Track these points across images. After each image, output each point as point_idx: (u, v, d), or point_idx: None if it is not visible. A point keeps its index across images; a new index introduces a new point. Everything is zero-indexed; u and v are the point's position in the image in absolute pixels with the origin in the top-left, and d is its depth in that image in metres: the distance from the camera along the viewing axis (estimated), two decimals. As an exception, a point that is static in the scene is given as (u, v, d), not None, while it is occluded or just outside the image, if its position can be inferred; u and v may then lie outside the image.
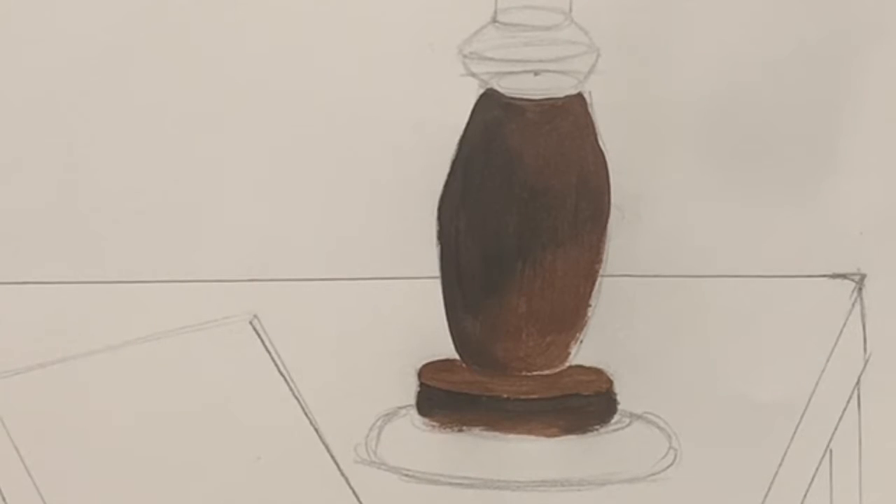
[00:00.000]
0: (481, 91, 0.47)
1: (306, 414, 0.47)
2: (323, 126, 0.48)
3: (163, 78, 0.48)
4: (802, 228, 0.48)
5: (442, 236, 0.47)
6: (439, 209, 0.47)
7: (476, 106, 0.47)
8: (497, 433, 0.47)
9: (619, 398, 0.48)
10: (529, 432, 0.45)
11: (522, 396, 0.47)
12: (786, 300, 0.48)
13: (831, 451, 0.48)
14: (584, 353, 0.48)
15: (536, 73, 0.47)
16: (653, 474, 0.46)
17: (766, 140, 0.48)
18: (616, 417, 0.48)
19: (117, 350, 0.48)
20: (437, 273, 0.47)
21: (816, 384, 0.48)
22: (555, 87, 0.47)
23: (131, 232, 0.48)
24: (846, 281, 0.48)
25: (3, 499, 0.47)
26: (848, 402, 0.48)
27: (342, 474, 0.47)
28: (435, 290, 0.48)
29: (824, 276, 0.48)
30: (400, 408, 0.48)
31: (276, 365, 0.48)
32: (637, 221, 0.47)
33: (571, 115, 0.47)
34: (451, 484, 0.45)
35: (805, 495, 0.48)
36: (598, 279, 0.47)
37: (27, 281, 0.48)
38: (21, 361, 0.48)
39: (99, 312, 0.48)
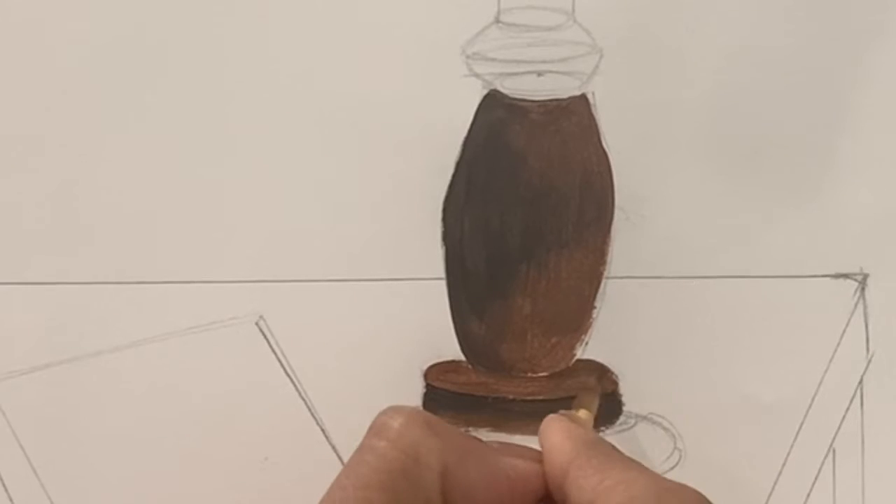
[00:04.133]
0: (485, 92, 0.47)
1: (313, 414, 0.48)
2: (326, 127, 0.48)
3: (166, 78, 0.47)
4: (804, 228, 0.48)
5: (447, 238, 0.48)
6: (444, 210, 0.47)
7: (479, 107, 0.47)
8: (503, 434, 0.47)
9: (624, 399, 0.48)
10: (535, 433, 0.45)
11: (528, 397, 0.48)
12: (788, 300, 0.48)
13: (834, 450, 0.48)
14: (589, 354, 0.48)
15: (540, 73, 0.47)
16: (658, 474, 0.46)
17: (769, 140, 0.48)
18: (621, 418, 0.48)
19: (123, 350, 0.48)
20: (443, 274, 0.48)
21: (819, 384, 0.48)
22: (558, 87, 0.47)
23: (136, 232, 0.48)
24: (848, 280, 0.48)
25: (10, 499, 0.47)
26: (851, 401, 0.48)
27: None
28: (440, 291, 0.48)
29: (826, 275, 0.48)
30: (406, 408, 0.48)
31: (283, 366, 0.48)
32: (641, 223, 0.48)
33: (575, 115, 0.47)
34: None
35: (808, 494, 0.48)
36: (603, 281, 0.47)
37: (33, 281, 0.48)
38: (27, 362, 0.48)
39: (103, 313, 0.48)
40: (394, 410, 0.37)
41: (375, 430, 0.36)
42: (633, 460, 0.37)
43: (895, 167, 0.48)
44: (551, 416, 0.40)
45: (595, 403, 0.44)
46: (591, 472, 0.36)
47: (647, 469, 0.36)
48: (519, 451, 0.39)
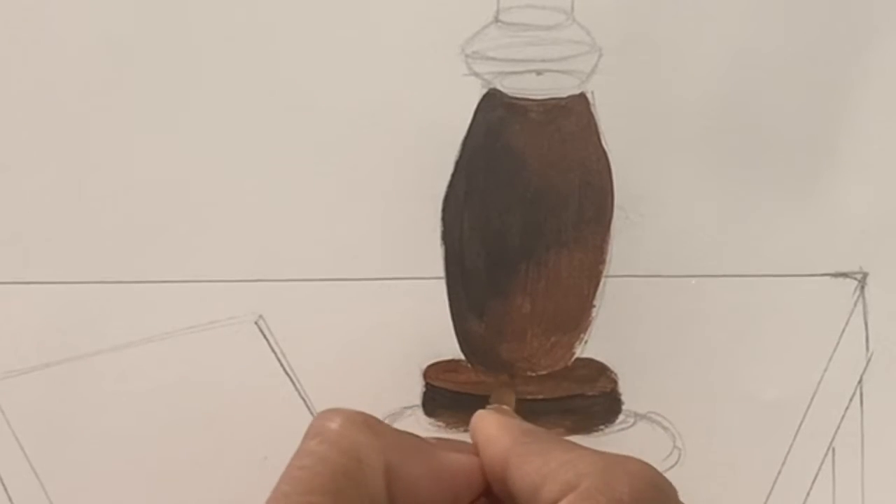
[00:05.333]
0: (484, 91, 0.47)
1: (312, 414, 0.48)
2: (326, 127, 0.48)
3: (166, 78, 0.48)
4: (804, 227, 0.48)
5: (446, 237, 0.48)
6: (443, 210, 0.47)
7: (479, 106, 0.47)
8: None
9: (623, 398, 0.48)
10: (535, 432, 0.45)
11: (528, 397, 0.48)
12: (788, 299, 0.48)
13: (834, 449, 0.48)
14: (588, 353, 0.48)
15: (539, 72, 0.47)
16: (657, 473, 0.46)
17: (768, 139, 0.48)
18: (621, 417, 0.48)
19: (122, 350, 0.48)
20: (442, 274, 0.48)
21: (819, 383, 0.48)
22: (557, 86, 0.47)
23: (135, 231, 0.48)
24: (848, 279, 0.48)
25: (10, 499, 0.47)
26: (850, 400, 0.48)
27: (348, 474, 0.47)
28: (440, 290, 0.48)
29: (826, 274, 0.48)
30: (405, 408, 0.48)
31: (282, 365, 0.48)
32: (640, 222, 0.48)
33: (574, 114, 0.47)
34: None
35: (808, 493, 0.48)
36: (602, 280, 0.47)
37: (32, 281, 0.48)
38: (26, 361, 0.48)
39: (103, 313, 0.48)
40: (331, 412, 0.36)
41: (313, 433, 0.36)
42: (572, 442, 0.37)
43: (895, 167, 0.48)
44: (479, 411, 0.39)
45: (512, 398, 0.44)
46: (531, 457, 0.35)
47: (588, 448, 0.36)
48: (458, 445, 0.38)
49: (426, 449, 0.37)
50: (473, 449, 0.38)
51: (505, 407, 0.42)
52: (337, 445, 0.35)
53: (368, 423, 0.36)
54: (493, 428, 0.38)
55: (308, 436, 0.36)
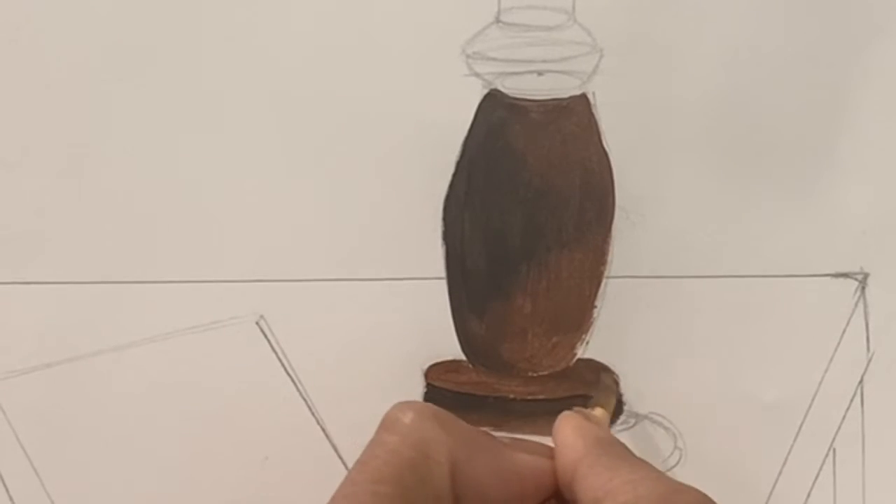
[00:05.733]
0: (485, 91, 0.47)
1: (313, 414, 0.48)
2: (327, 127, 0.48)
3: (166, 77, 0.47)
4: (805, 228, 0.48)
5: (447, 237, 0.48)
6: (444, 210, 0.48)
7: (480, 106, 0.47)
8: (504, 433, 0.47)
9: (624, 399, 0.48)
10: (536, 432, 0.45)
11: (529, 397, 0.48)
12: (788, 300, 0.48)
13: (834, 449, 0.48)
14: (589, 353, 0.48)
15: (540, 73, 0.47)
16: (658, 474, 0.46)
17: (769, 139, 0.48)
18: (622, 417, 0.48)
19: (123, 350, 0.48)
20: (443, 274, 0.48)
21: (819, 383, 0.48)
22: (559, 87, 0.47)
23: (135, 231, 0.48)
24: (849, 280, 0.48)
25: (10, 499, 0.47)
26: (851, 401, 0.48)
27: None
28: (441, 290, 0.48)
29: (827, 275, 0.48)
30: (406, 408, 0.48)
31: (283, 365, 0.48)
32: (641, 222, 0.48)
33: (575, 115, 0.47)
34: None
35: (809, 494, 0.48)
36: (603, 280, 0.47)
37: (32, 281, 0.48)
38: (26, 361, 0.48)
39: (104, 313, 0.48)
40: (404, 405, 0.37)
41: (386, 424, 0.37)
42: (643, 461, 0.37)
43: (895, 167, 0.48)
44: (566, 412, 0.40)
45: (612, 402, 0.45)
46: (600, 469, 0.36)
47: (656, 470, 0.36)
48: (530, 446, 0.39)
49: (495, 448, 0.38)
50: (547, 451, 0.39)
51: (596, 411, 0.43)
52: (406, 439, 0.36)
53: (439, 418, 0.37)
54: (570, 432, 0.38)
55: (381, 427, 0.37)
